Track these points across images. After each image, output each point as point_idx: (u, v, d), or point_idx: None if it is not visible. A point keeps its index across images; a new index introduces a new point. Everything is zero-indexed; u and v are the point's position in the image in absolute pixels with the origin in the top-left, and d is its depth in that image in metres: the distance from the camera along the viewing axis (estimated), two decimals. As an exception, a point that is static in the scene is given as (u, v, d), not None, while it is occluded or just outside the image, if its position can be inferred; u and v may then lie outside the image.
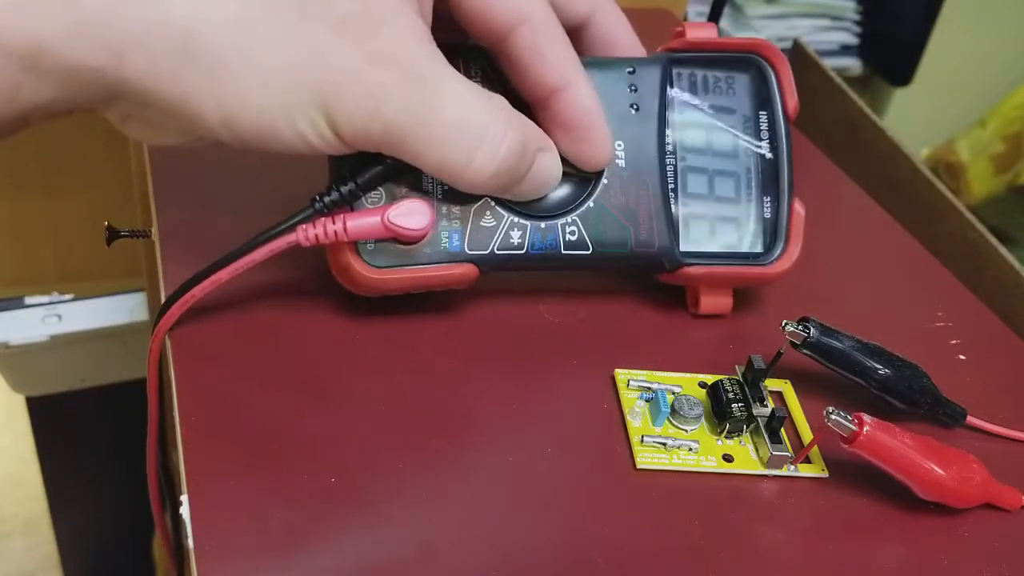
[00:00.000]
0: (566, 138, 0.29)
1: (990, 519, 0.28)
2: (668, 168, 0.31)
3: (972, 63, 1.33)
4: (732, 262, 0.32)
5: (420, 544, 0.24)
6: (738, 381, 0.30)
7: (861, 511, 0.27)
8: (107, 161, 0.71)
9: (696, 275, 0.32)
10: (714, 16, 0.49)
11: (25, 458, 1.14)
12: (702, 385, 0.30)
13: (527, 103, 0.29)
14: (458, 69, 0.26)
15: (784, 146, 0.32)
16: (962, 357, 0.34)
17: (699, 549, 0.25)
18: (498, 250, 0.29)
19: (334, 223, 0.27)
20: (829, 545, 0.26)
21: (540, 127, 0.28)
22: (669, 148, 0.31)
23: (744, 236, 0.32)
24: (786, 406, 0.30)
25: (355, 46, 0.24)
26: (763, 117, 0.32)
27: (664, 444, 0.28)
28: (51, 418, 0.78)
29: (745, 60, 0.32)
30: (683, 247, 0.31)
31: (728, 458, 0.28)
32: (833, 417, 0.26)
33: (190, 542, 0.23)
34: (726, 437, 0.29)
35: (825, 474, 0.28)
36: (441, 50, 0.25)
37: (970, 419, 0.31)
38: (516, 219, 0.29)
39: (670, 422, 0.29)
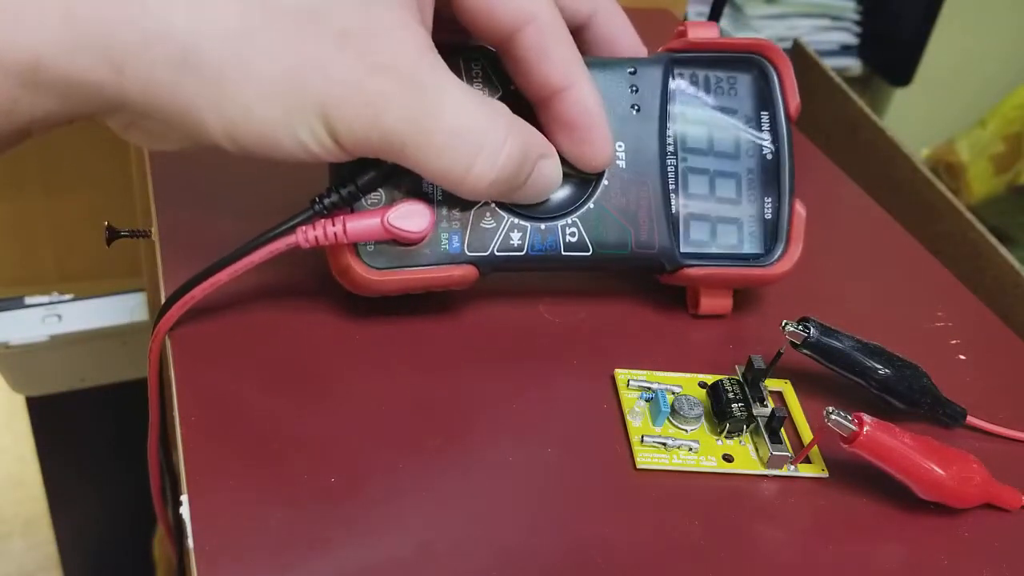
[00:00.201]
0: (567, 139, 0.29)
1: (990, 519, 0.28)
2: (669, 169, 0.31)
3: (972, 63, 1.34)
4: (732, 263, 0.32)
5: (420, 544, 0.24)
6: (738, 381, 0.30)
7: (861, 511, 0.27)
8: (107, 161, 0.71)
9: (696, 276, 0.31)
10: (714, 16, 0.49)
11: (25, 458, 1.14)
12: (702, 385, 0.30)
13: (529, 103, 0.29)
14: (459, 69, 0.26)
15: (785, 147, 0.32)
16: (962, 357, 0.34)
17: (699, 549, 0.25)
18: (498, 251, 0.29)
19: (334, 225, 0.27)
20: (829, 545, 0.26)
21: (542, 127, 0.28)
22: (670, 149, 0.31)
23: (744, 237, 0.32)
24: (786, 406, 0.30)
25: (356, 59, 0.24)
26: (764, 117, 0.32)
27: (664, 444, 0.28)
28: (51, 418, 0.78)
29: (747, 60, 0.32)
30: (683, 248, 0.31)
31: (728, 458, 0.28)
32: (833, 417, 0.26)
33: (190, 542, 0.23)
34: (726, 437, 0.29)
35: (825, 474, 0.28)
36: (442, 50, 0.25)
37: (970, 419, 0.31)
38: (516, 220, 0.29)
39: (670, 422, 0.29)
